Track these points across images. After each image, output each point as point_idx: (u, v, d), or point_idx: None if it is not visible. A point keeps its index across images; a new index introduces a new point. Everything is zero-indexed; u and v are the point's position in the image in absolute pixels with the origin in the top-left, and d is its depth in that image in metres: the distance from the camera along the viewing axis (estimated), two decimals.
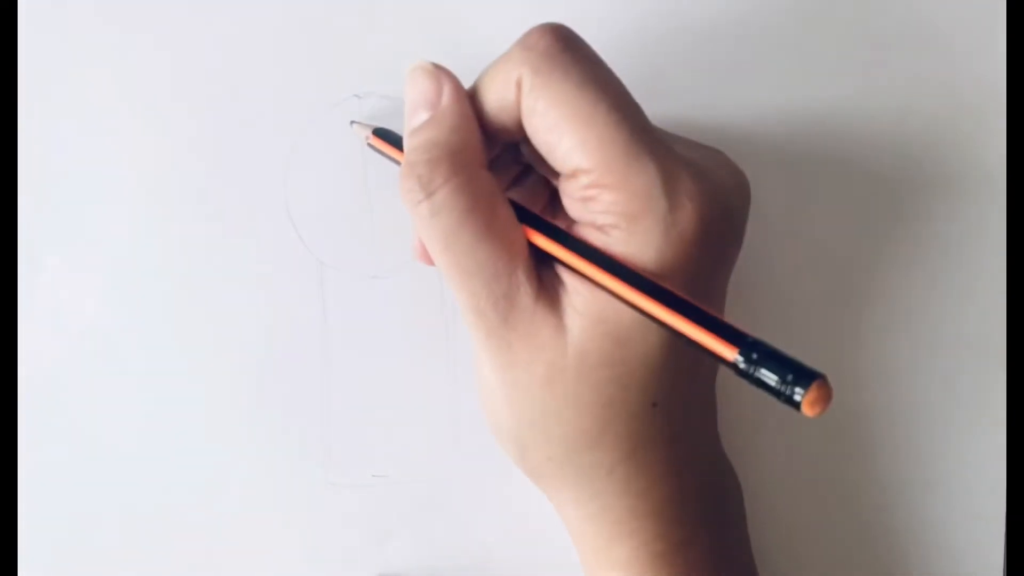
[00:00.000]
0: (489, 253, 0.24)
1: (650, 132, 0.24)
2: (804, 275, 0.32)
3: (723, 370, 0.31)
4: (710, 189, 0.24)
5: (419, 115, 0.26)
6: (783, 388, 0.19)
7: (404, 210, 0.31)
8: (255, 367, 0.31)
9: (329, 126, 0.31)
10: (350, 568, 0.31)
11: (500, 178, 0.28)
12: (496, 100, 0.25)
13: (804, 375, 0.19)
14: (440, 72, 0.26)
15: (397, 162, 0.27)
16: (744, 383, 0.31)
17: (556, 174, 0.25)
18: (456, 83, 0.26)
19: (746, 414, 0.31)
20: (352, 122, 0.31)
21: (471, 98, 0.26)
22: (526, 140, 0.25)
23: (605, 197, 0.23)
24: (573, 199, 0.24)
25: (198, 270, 0.31)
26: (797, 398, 0.19)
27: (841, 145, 0.32)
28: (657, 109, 0.31)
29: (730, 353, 0.20)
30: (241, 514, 0.31)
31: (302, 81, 0.31)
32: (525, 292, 0.24)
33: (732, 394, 0.31)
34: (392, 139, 0.28)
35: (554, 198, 0.26)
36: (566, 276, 0.24)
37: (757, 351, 0.20)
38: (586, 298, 0.24)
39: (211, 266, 0.31)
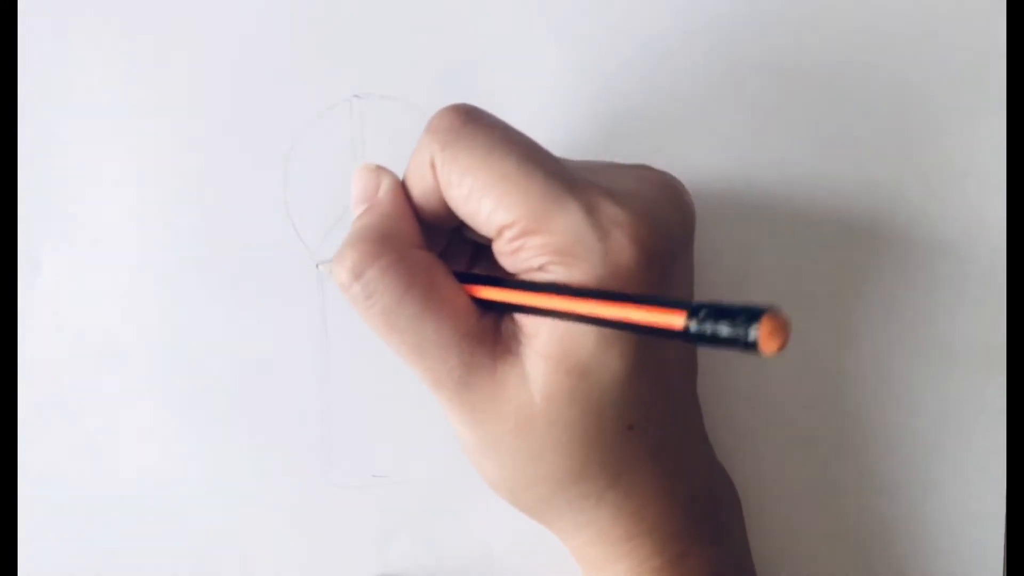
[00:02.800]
0: (435, 326, 0.24)
1: (566, 173, 0.24)
2: (803, 276, 0.32)
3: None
4: (638, 212, 0.24)
5: (358, 209, 0.27)
6: (738, 334, 0.18)
7: None
8: (255, 367, 0.31)
9: (329, 126, 0.31)
10: (351, 568, 0.31)
11: (453, 260, 0.28)
12: (419, 187, 0.26)
13: (752, 313, 0.18)
14: (380, 170, 0.26)
15: None
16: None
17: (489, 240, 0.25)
18: (394, 179, 0.26)
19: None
20: (318, 264, 0.31)
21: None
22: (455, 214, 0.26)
23: (532, 242, 0.24)
24: (505, 255, 0.25)
25: (198, 270, 0.31)
26: (752, 338, 0.18)
27: (840, 146, 0.32)
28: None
29: (679, 320, 0.20)
30: (242, 515, 0.31)
31: (302, 81, 0.31)
32: (481, 354, 0.24)
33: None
34: None
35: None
36: (523, 321, 0.25)
37: (704, 309, 0.19)
38: (545, 340, 0.24)
39: (211, 266, 0.31)
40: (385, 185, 0.26)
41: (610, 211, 0.23)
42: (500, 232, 0.24)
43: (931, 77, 0.32)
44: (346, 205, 0.31)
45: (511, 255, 0.24)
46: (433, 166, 0.25)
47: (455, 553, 0.31)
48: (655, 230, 0.24)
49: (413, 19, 0.31)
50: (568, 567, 0.29)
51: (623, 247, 0.23)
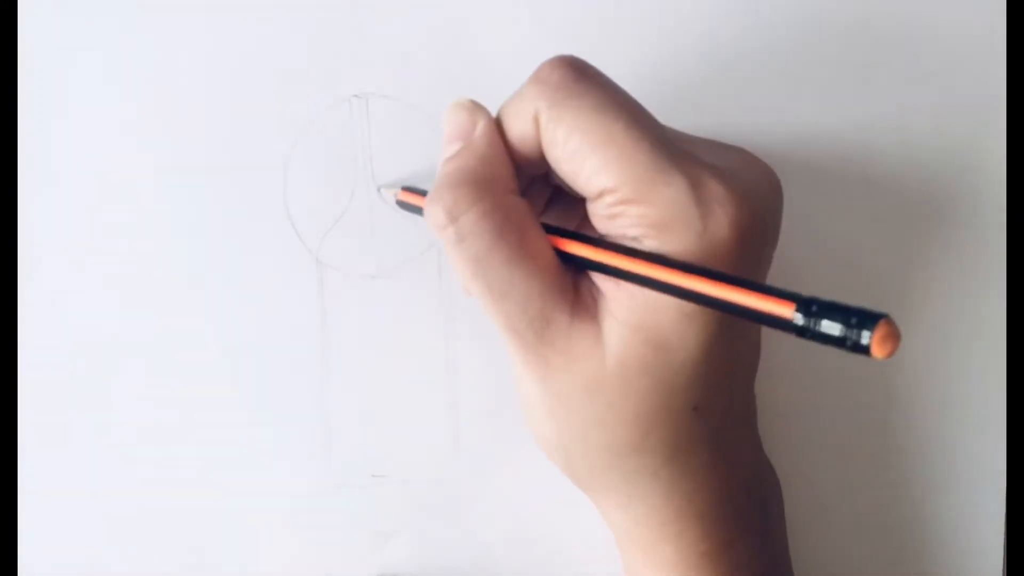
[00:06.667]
0: (522, 276, 0.24)
1: (672, 144, 0.24)
2: (803, 277, 0.32)
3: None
4: (740, 193, 0.24)
5: (452, 147, 0.26)
6: (849, 334, 0.19)
7: (403, 211, 0.31)
8: (255, 367, 0.31)
9: (329, 126, 0.31)
10: (350, 568, 0.31)
11: (532, 204, 0.28)
12: (517, 135, 0.25)
13: (868, 317, 0.19)
14: (476, 108, 0.26)
15: None
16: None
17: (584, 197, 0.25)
18: (491, 120, 0.26)
19: None
20: (379, 188, 0.31)
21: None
22: (552, 169, 0.25)
23: (632, 211, 0.23)
24: (600, 218, 0.24)
25: (197, 270, 0.31)
26: (864, 341, 0.18)
27: (840, 149, 0.32)
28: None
29: (788, 311, 0.20)
30: (241, 514, 0.31)
31: (302, 81, 0.31)
32: (560, 310, 0.24)
33: None
34: (421, 192, 0.29)
35: (586, 219, 0.26)
36: (604, 285, 0.24)
37: (815, 304, 0.19)
38: (625, 306, 0.24)
39: (210, 266, 0.31)
40: (481, 125, 0.26)
41: (715, 190, 0.23)
42: (600, 195, 0.24)
43: (931, 79, 0.32)
44: (346, 206, 0.31)
45: (607, 219, 0.24)
46: (537, 119, 0.24)
47: (455, 553, 0.31)
48: (755, 216, 0.24)
49: (413, 18, 0.31)
50: (568, 567, 0.29)
51: (722, 227, 0.23)
